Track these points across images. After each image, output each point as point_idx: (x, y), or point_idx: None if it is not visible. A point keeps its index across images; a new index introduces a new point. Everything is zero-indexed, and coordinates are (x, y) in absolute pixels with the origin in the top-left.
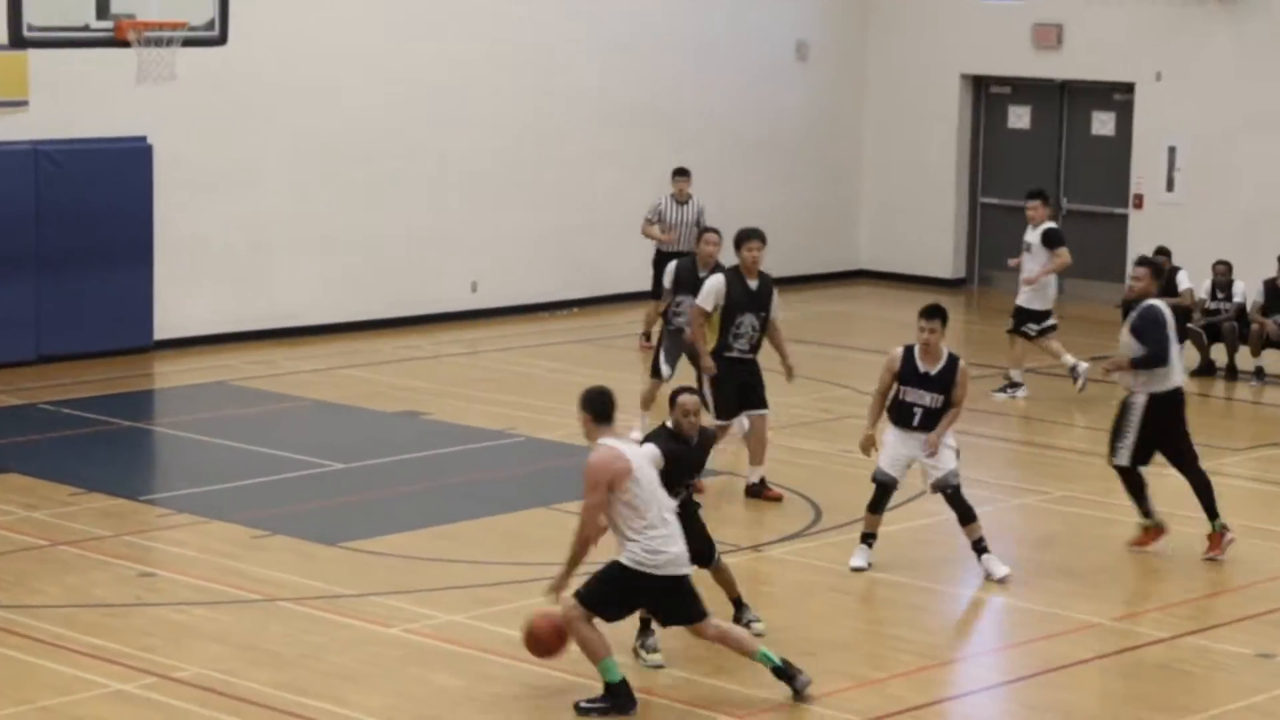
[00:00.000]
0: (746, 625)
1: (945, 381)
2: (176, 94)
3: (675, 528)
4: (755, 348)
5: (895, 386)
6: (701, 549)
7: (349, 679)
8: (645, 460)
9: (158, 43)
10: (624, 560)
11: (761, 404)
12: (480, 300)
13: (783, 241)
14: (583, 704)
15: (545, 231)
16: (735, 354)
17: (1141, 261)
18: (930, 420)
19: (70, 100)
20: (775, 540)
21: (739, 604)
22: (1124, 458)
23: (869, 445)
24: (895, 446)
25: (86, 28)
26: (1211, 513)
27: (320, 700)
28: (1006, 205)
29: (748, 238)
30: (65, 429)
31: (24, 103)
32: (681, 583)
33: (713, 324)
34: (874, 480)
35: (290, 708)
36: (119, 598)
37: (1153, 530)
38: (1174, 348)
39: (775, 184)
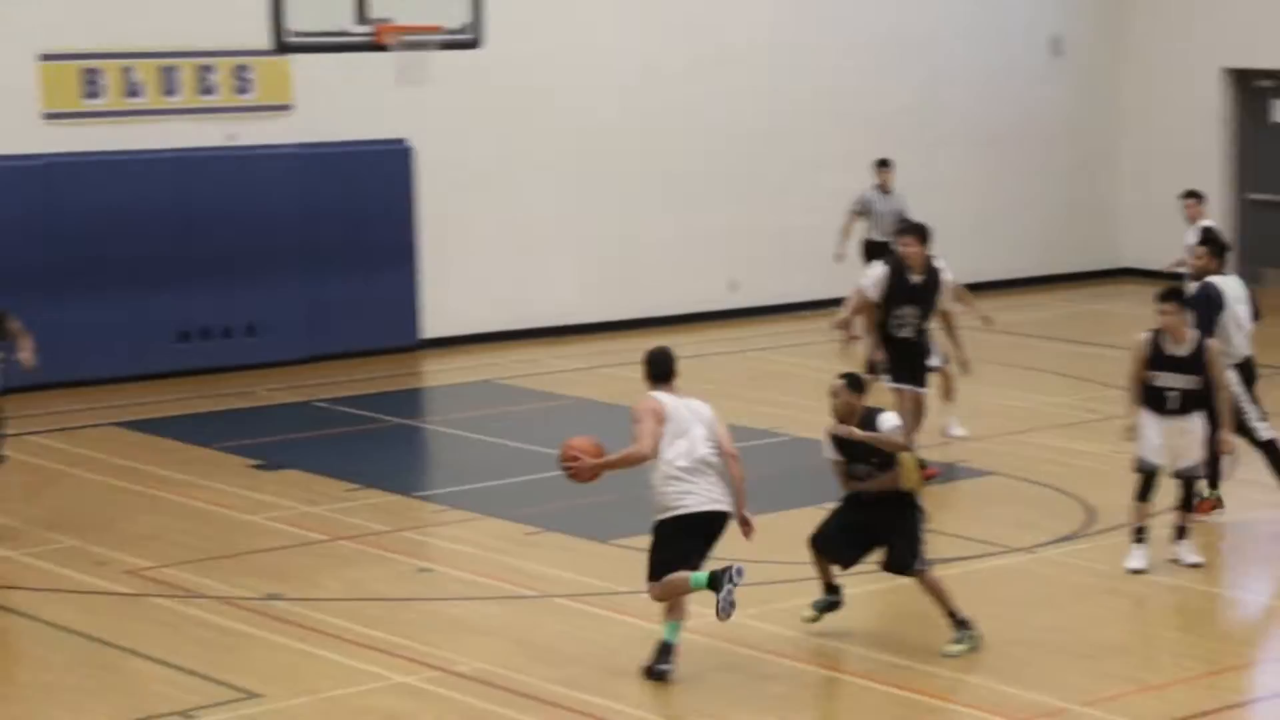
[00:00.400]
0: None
1: (1196, 363)
2: (435, 96)
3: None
4: (920, 334)
5: (1148, 373)
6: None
7: (625, 675)
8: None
9: (415, 46)
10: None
11: (916, 381)
12: (740, 299)
13: (1037, 240)
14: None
15: (804, 231)
16: (897, 337)
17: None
18: (1189, 403)
19: (332, 104)
20: (1049, 542)
21: (955, 620)
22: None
23: (1129, 434)
24: (1152, 433)
25: (346, 32)
26: None
27: (599, 696)
28: (1273, 201)
29: (901, 233)
30: (338, 426)
31: (288, 107)
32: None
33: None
34: (1136, 470)
35: (570, 703)
36: (398, 592)
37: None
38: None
39: (1028, 181)
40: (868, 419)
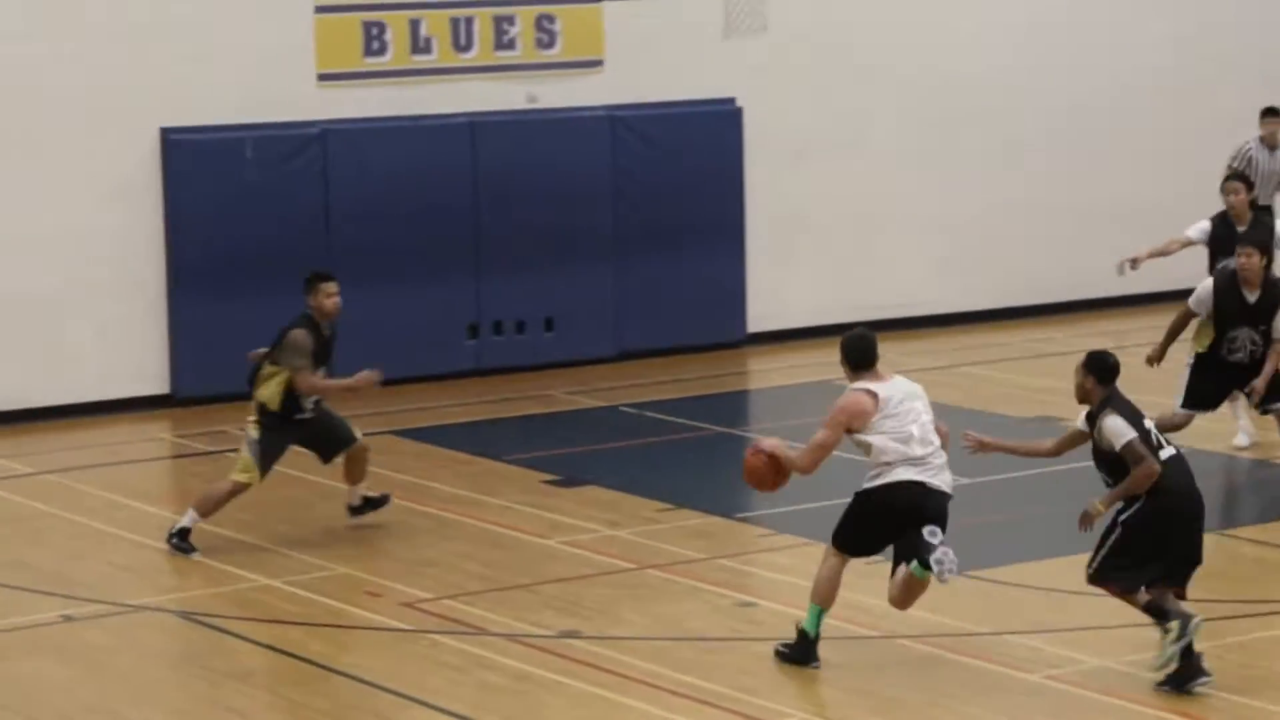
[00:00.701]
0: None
1: None
2: (769, 48)
3: None
4: (1258, 360)
5: None
6: None
7: None
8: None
9: None
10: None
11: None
12: (1129, 284)
13: None
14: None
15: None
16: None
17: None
18: None
19: (649, 59)
20: None
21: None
22: None
23: None
24: None
25: None
26: None
27: None
28: None
29: (1237, 242)
30: (649, 435)
31: (599, 63)
32: None
33: (1205, 328)
34: None
35: None
36: (715, 630)
37: None
38: None
39: None
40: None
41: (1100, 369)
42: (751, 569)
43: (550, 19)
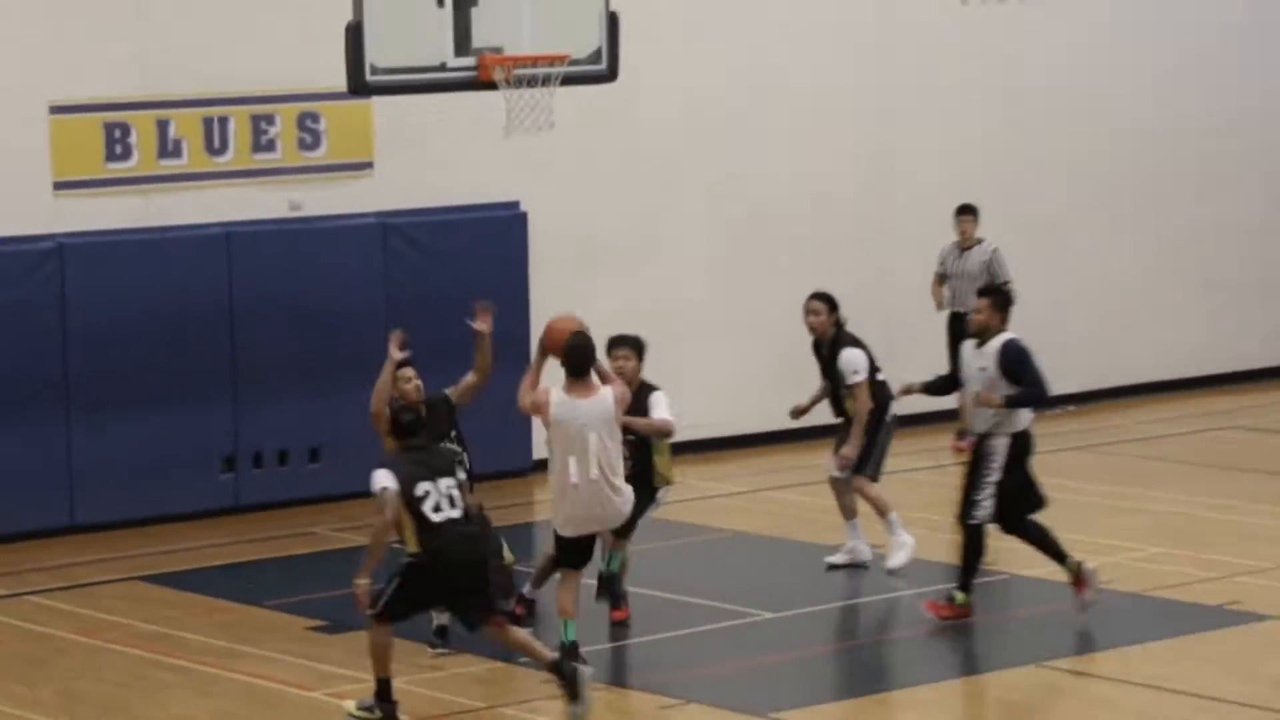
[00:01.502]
0: None
1: None
2: (556, 146)
3: None
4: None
5: None
6: None
7: None
8: None
9: (531, 82)
10: None
11: None
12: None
13: None
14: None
15: (1029, 308)
16: None
17: (983, 292)
18: None
19: (424, 160)
20: None
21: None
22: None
23: None
24: None
25: (443, 67)
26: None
27: None
28: None
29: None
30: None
31: (368, 165)
32: None
33: None
34: None
35: None
36: None
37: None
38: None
39: None
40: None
41: None
42: (536, 717)
43: (314, 117)
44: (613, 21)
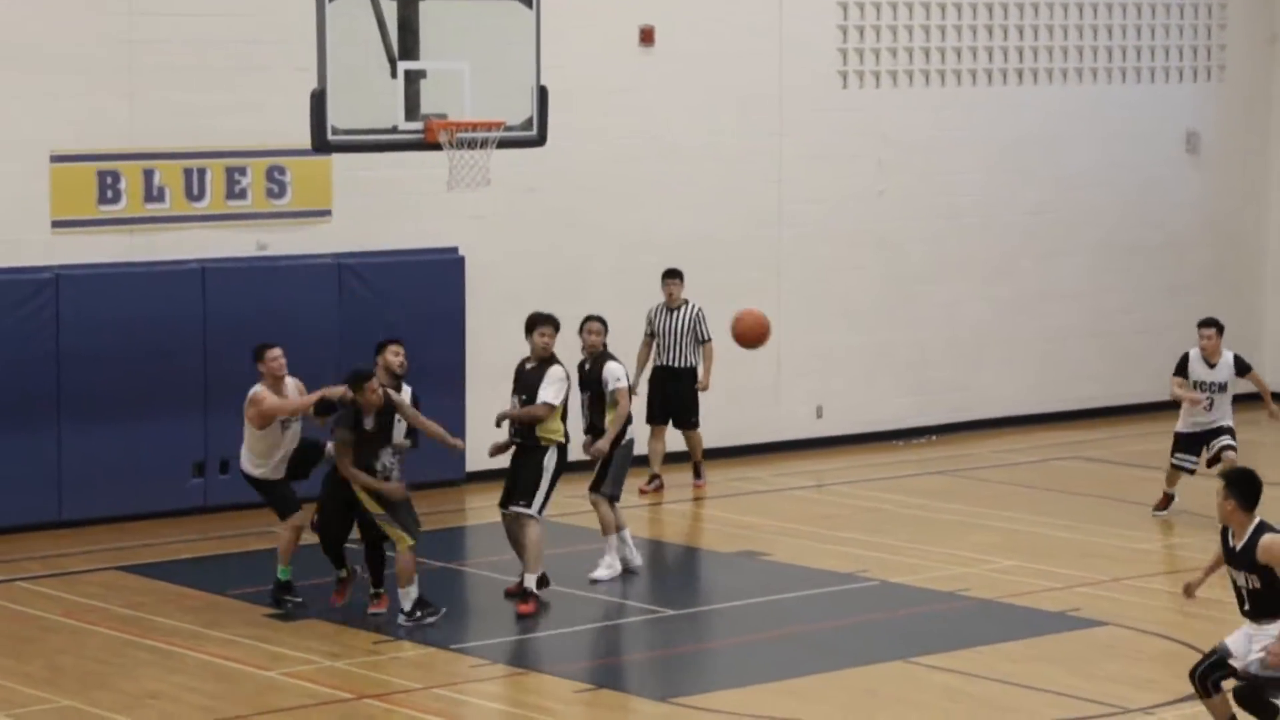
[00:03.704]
0: None
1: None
2: (491, 201)
3: None
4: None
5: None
6: None
7: None
8: None
9: (471, 145)
10: None
11: None
12: (825, 427)
13: (1168, 360)
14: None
15: (899, 350)
16: None
17: None
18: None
19: (376, 209)
20: (1169, 702)
21: None
22: None
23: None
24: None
25: (394, 130)
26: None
27: None
28: None
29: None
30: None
31: (327, 213)
32: None
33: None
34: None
35: None
36: None
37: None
38: None
39: (1159, 295)
40: None
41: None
42: (465, 697)
43: (281, 170)
44: (543, 94)
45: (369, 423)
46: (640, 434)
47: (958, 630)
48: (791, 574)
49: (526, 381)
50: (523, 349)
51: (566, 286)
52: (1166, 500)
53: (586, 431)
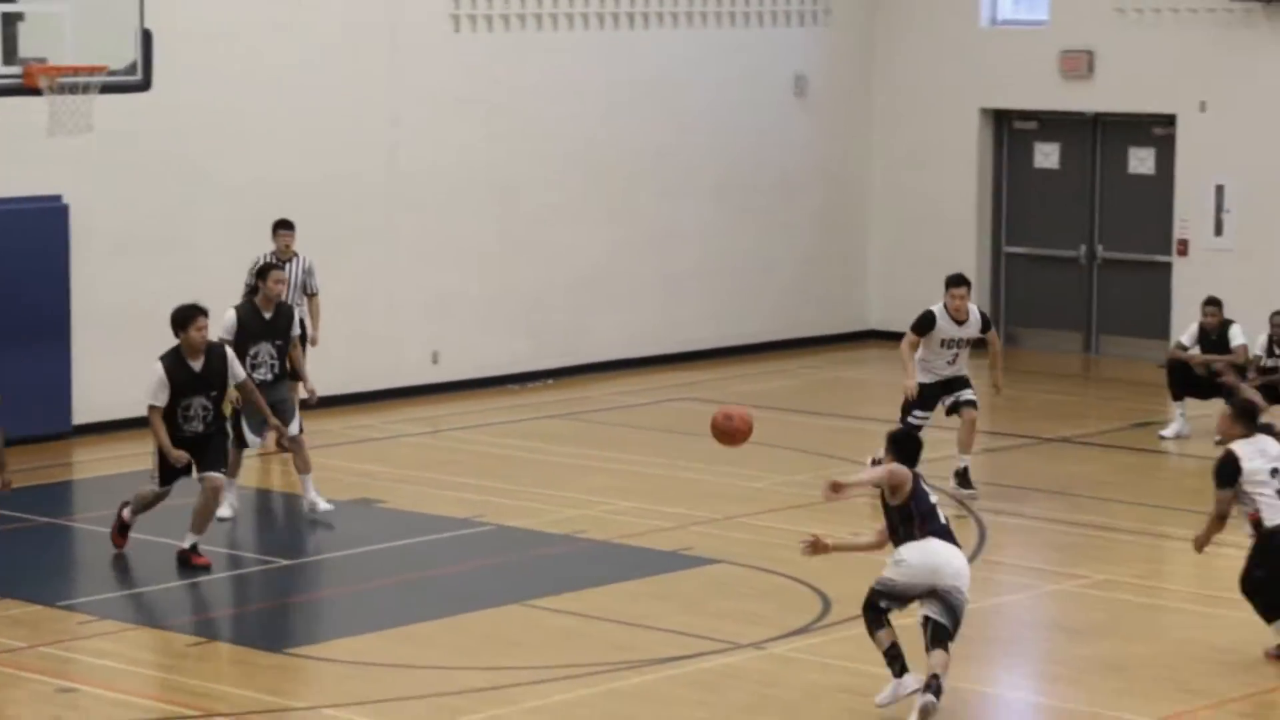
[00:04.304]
0: None
1: None
2: (94, 147)
3: None
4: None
5: None
6: None
7: None
8: None
9: (73, 89)
10: None
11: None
12: (441, 373)
13: (781, 301)
14: None
15: (515, 294)
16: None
17: None
18: None
19: None
20: (780, 636)
21: None
22: None
23: None
24: None
25: None
26: None
27: None
28: (1034, 255)
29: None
30: None
31: None
32: None
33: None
34: None
35: None
36: (36, 717)
37: None
38: None
39: (771, 235)
40: None
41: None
42: (73, 655)
43: None
44: (147, 37)
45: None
46: None
47: (574, 572)
48: (408, 520)
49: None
50: (132, 296)
51: (174, 234)
52: None
53: (279, 378)
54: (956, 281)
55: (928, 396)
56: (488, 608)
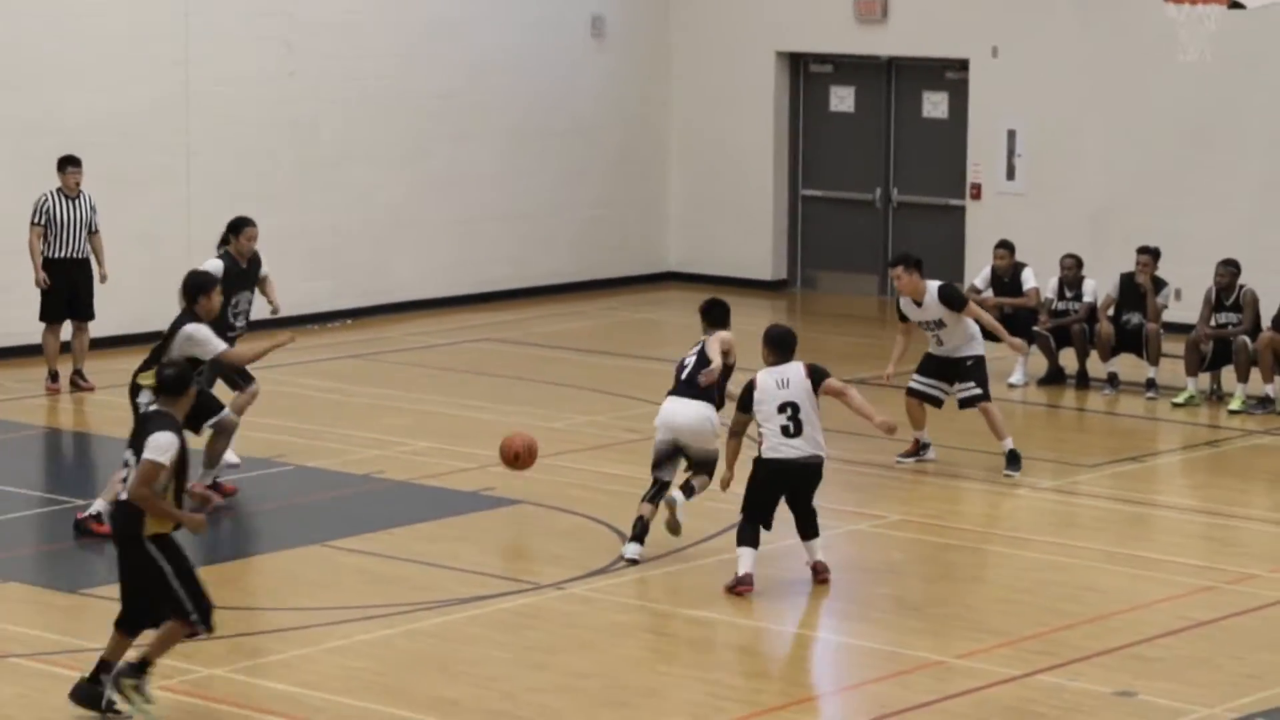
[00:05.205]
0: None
1: None
2: None
3: None
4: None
5: None
6: None
7: None
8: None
9: None
10: None
11: None
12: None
13: (580, 242)
14: None
15: (313, 234)
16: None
17: None
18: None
19: None
20: (580, 576)
21: None
22: None
23: None
24: None
25: None
26: None
27: None
28: (830, 198)
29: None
30: None
31: None
32: None
33: None
34: None
35: None
36: None
37: None
38: None
39: (569, 178)
40: None
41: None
42: None
43: None
44: None
45: None
46: (37, 331)
47: (374, 512)
48: None
49: None
50: None
51: None
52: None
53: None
54: (893, 262)
55: (928, 365)
56: (288, 548)
